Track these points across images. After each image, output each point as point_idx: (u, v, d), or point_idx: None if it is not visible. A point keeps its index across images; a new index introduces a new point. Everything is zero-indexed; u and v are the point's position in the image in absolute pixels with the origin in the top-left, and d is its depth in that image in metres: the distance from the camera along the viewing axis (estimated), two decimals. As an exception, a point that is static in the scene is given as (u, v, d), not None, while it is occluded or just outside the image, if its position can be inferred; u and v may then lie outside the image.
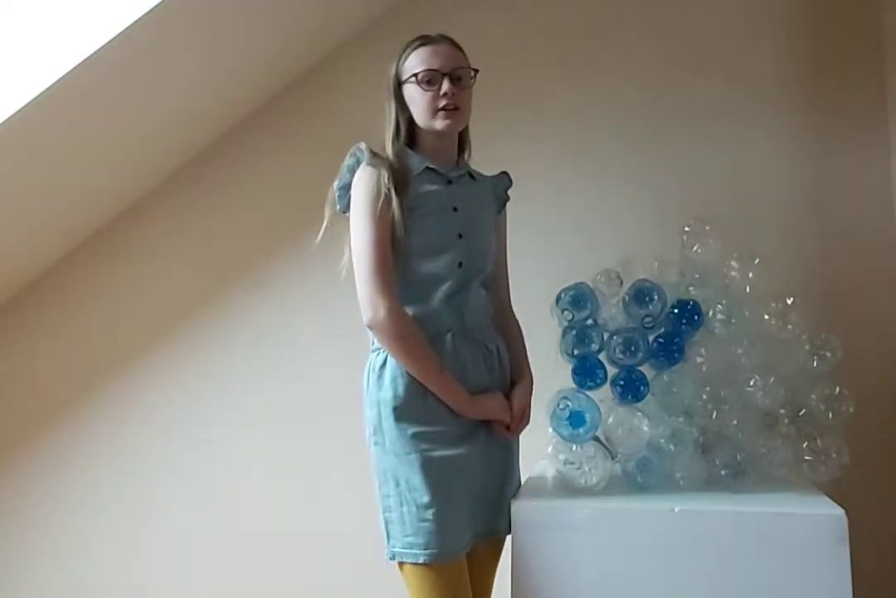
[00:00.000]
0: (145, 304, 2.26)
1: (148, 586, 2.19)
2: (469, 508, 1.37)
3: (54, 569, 2.24)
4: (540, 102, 2.11)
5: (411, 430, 1.34)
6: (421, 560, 1.30)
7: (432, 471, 1.32)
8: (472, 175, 1.53)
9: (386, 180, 1.38)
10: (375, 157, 1.42)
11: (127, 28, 1.67)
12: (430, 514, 1.30)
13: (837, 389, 1.52)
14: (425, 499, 1.31)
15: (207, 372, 2.23)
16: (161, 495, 2.21)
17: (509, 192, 1.61)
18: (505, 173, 1.61)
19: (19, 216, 2.04)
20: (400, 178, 1.40)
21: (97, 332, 2.28)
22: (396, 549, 1.34)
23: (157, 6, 1.66)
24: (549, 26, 2.13)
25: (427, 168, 1.45)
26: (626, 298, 1.62)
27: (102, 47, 1.68)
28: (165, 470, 2.21)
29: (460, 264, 1.43)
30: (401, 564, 1.34)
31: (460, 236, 1.44)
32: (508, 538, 1.43)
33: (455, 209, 1.45)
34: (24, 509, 2.27)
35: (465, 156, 1.55)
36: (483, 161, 1.58)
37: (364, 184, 1.40)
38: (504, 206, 1.61)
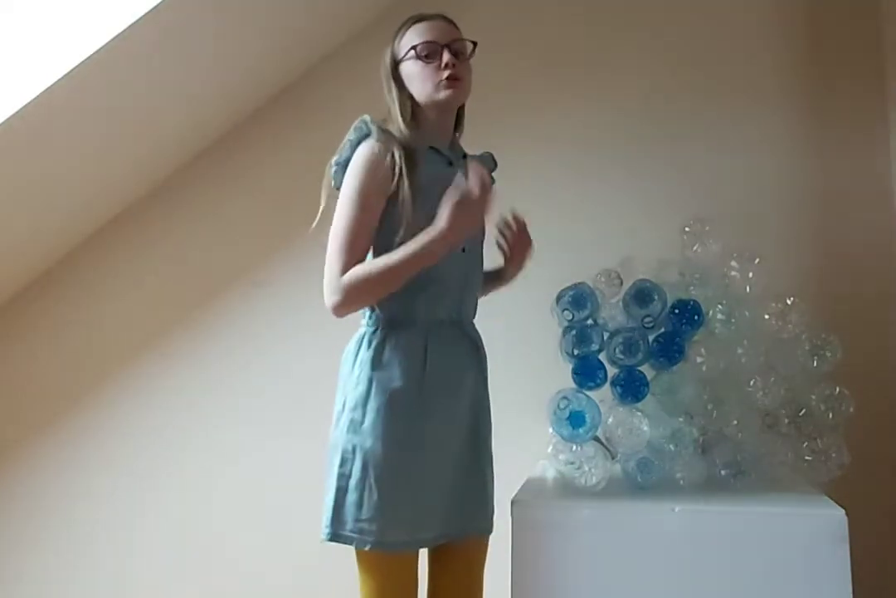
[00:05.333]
0: (143, 305, 2.26)
1: (143, 584, 2.19)
2: (432, 506, 1.31)
3: (54, 568, 2.24)
4: (541, 102, 2.10)
5: (399, 419, 1.30)
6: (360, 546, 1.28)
7: (403, 463, 1.28)
8: (466, 158, 1.47)
9: (398, 159, 1.30)
10: (385, 133, 1.34)
11: (126, 28, 1.67)
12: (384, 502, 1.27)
13: (837, 389, 1.52)
14: (386, 488, 1.27)
15: (206, 372, 2.22)
16: (159, 494, 2.20)
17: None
18: (489, 155, 1.55)
19: (18, 216, 2.04)
20: (411, 157, 1.33)
21: (96, 333, 2.27)
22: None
23: (156, 7, 1.66)
24: (551, 28, 2.13)
25: (430, 148, 1.39)
26: (626, 298, 1.61)
27: (102, 47, 1.68)
28: (164, 469, 2.21)
29: (464, 249, 1.38)
30: None
31: None
32: (508, 539, 1.40)
33: None
34: (24, 509, 2.26)
35: (458, 135, 1.50)
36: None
37: (365, 160, 1.32)
38: None
